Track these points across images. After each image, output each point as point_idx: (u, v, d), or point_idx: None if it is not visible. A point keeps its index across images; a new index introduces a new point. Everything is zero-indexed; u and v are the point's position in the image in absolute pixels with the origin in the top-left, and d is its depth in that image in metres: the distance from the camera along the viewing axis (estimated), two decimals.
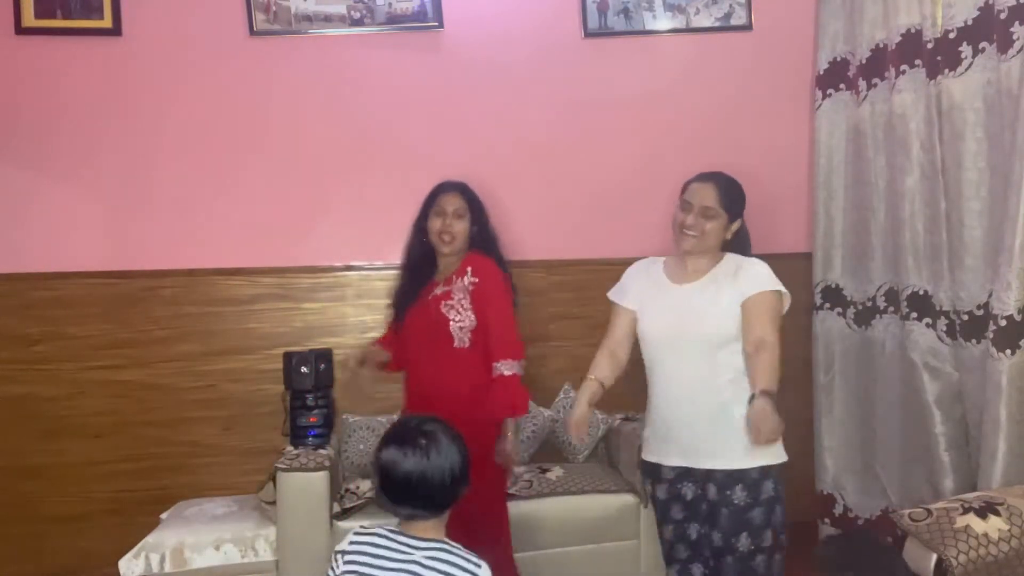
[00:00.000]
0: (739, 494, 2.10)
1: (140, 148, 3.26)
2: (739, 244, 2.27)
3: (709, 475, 2.13)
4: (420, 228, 2.65)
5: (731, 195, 2.22)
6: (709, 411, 2.13)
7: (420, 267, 2.65)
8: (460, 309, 2.50)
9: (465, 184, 2.68)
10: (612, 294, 2.36)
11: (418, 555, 1.57)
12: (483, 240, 2.66)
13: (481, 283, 2.51)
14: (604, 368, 2.32)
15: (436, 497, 1.61)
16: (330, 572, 1.64)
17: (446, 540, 1.61)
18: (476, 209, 2.65)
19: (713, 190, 2.20)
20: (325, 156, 3.35)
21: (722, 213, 2.19)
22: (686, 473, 2.18)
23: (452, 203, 2.59)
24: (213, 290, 3.29)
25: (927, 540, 2.14)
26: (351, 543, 1.63)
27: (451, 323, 2.48)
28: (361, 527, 1.67)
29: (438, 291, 2.55)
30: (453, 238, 2.56)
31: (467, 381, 2.49)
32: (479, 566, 1.57)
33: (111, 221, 3.25)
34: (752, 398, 2.01)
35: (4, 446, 3.17)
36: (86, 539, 3.19)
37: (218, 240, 3.29)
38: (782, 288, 2.15)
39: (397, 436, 1.65)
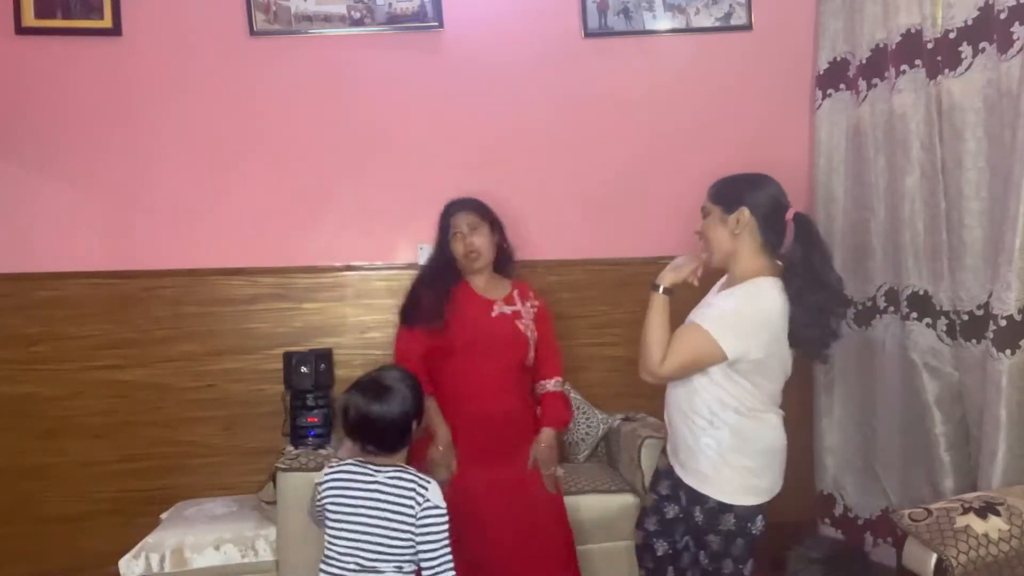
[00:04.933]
0: (697, 514, 2.11)
1: (140, 148, 3.26)
2: (798, 244, 2.05)
3: (683, 482, 2.15)
4: (443, 250, 2.69)
5: (721, 184, 2.12)
6: (682, 422, 2.13)
7: (446, 281, 2.65)
8: (532, 330, 2.65)
9: (473, 199, 2.72)
10: None
11: (380, 476, 1.96)
12: (507, 256, 2.75)
13: (542, 308, 2.75)
14: None
15: (389, 439, 1.98)
16: (316, 503, 2.03)
17: (402, 465, 2.00)
18: (492, 219, 2.71)
19: (709, 189, 2.15)
20: (325, 156, 3.35)
21: (712, 207, 2.11)
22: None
23: (466, 220, 2.64)
24: (213, 290, 3.29)
25: (927, 540, 2.15)
26: (326, 474, 2.01)
27: (530, 341, 2.63)
28: (332, 461, 2.06)
29: (506, 309, 2.63)
30: (479, 254, 2.62)
31: (529, 399, 2.67)
32: (428, 482, 1.95)
33: (111, 221, 3.25)
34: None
35: (4, 446, 3.18)
36: (86, 539, 3.19)
37: (218, 240, 3.29)
38: (714, 334, 1.97)
39: (365, 386, 2.01)
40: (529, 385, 2.70)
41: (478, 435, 2.54)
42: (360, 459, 2.01)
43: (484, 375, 2.56)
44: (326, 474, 2.01)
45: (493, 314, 2.61)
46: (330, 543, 1.97)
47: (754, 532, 2.06)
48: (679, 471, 2.16)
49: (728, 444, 2.04)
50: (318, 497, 2.02)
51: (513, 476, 2.56)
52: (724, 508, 2.05)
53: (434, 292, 2.61)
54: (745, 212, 2.06)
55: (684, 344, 2.02)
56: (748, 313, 2.01)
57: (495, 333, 2.59)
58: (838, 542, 2.12)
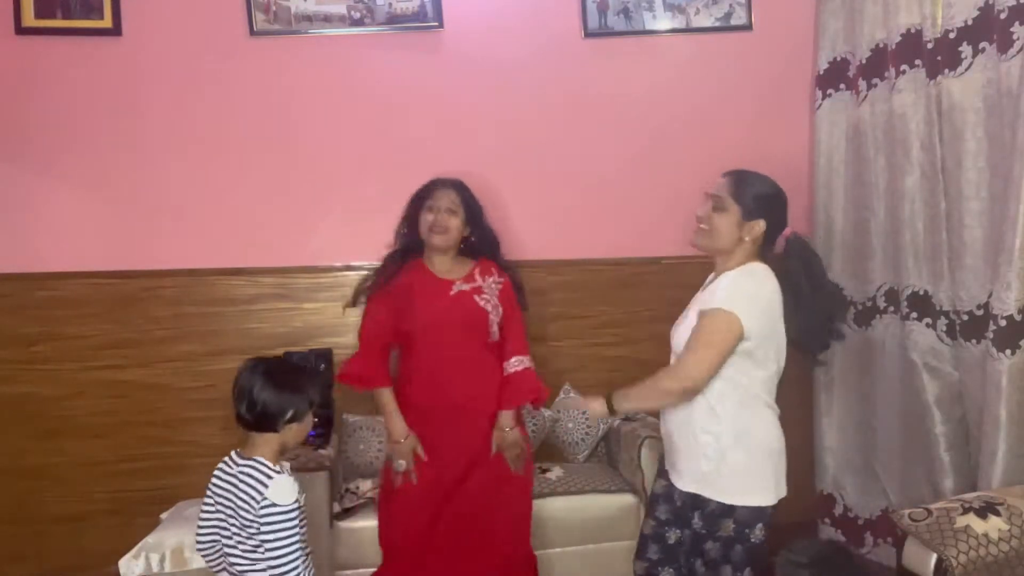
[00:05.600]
0: (696, 520, 2.08)
1: (140, 148, 3.26)
2: (798, 260, 2.08)
3: (684, 492, 2.12)
4: (410, 222, 2.63)
5: (747, 188, 2.08)
6: (678, 429, 2.11)
7: (399, 263, 2.63)
8: (494, 305, 2.57)
9: (461, 181, 2.65)
10: None
11: (235, 469, 1.92)
12: (483, 244, 2.66)
13: (506, 286, 2.64)
14: None
15: (249, 416, 1.95)
16: None
17: (259, 459, 1.91)
18: (471, 209, 2.62)
19: (728, 182, 2.10)
20: (325, 156, 3.35)
21: (732, 205, 2.06)
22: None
23: (446, 198, 2.57)
24: (213, 290, 3.29)
25: (927, 540, 2.15)
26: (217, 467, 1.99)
27: (490, 315, 2.55)
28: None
29: (464, 287, 2.56)
30: (446, 230, 2.55)
31: (496, 377, 2.57)
32: (271, 477, 1.85)
33: (111, 221, 3.25)
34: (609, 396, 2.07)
35: (4, 446, 3.18)
36: (86, 539, 3.19)
37: (218, 240, 3.29)
38: (727, 307, 1.97)
39: (266, 360, 2.01)
40: (494, 368, 2.59)
41: (427, 428, 2.50)
42: (235, 451, 1.99)
43: (443, 360, 2.50)
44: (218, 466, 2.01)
45: (452, 292, 2.55)
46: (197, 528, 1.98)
47: (753, 540, 2.02)
48: (677, 480, 2.13)
49: (727, 440, 2.03)
50: None
51: (465, 485, 2.51)
52: (724, 511, 2.03)
53: (396, 265, 2.64)
54: (762, 224, 2.08)
55: (706, 333, 1.98)
56: (752, 289, 2.01)
57: (453, 311, 2.52)
58: (825, 544, 2.09)
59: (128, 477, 3.24)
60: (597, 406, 2.10)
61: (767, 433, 2.07)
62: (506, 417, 2.53)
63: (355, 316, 3.34)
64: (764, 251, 2.12)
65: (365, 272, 3.35)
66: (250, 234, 3.31)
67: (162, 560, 2.63)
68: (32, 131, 3.20)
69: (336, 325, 3.34)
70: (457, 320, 2.52)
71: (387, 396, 2.54)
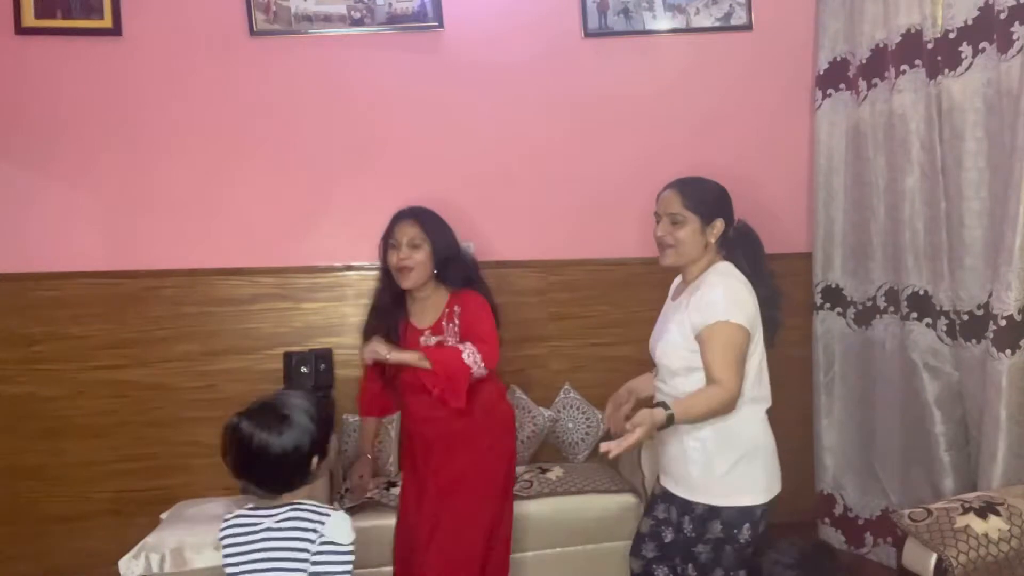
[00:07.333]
0: (687, 525, 2.08)
1: (140, 148, 3.26)
2: (743, 246, 2.13)
3: (676, 497, 2.12)
4: (384, 266, 2.48)
5: (698, 195, 2.11)
6: (668, 436, 2.09)
7: (390, 308, 2.49)
8: None
9: (421, 209, 2.48)
10: None
11: (268, 521, 1.64)
12: (454, 270, 2.47)
13: (464, 310, 2.43)
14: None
15: (276, 477, 1.65)
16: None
17: (299, 500, 1.66)
18: (437, 236, 2.43)
19: (676, 195, 2.12)
20: (325, 156, 3.35)
21: (691, 216, 2.09)
22: None
23: (406, 233, 2.40)
24: (213, 290, 3.29)
25: (927, 540, 2.15)
26: (221, 530, 1.69)
27: None
28: (228, 514, 1.71)
29: (430, 340, 2.41)
30: (412, 269, 2.38)
31: (475, 411, 2.42)
32: (328, 515, 1.63)
33: (111, 221, 3.25)
34: (660, 406, 1.91)
35: (4, 446, 3.18)
36: (86, 539, 3.19)
37: (218, 240, 3.29)
38: (733, 318, 1.98)
39: (255, 411, 1.67)
40: (480, 394, 2.44)
41: (414, 454, 2.53)
42: (252, 505, 1.69)
43: (422, 410, 2.44)
44: (222, 529, 1.68)
45: (420, 346, 2.41)
46: None
47: (741, 540, 2.00)
48: (671, 486, 2.13)
49: (713, 443, 2.02)
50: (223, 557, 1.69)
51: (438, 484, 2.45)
52: (712, 513, 2.02)
53: (383, 323, 2.48)
54: (721, 223, 2.12)
55: (721, 346, 1.98)
56: (738, 288, 2.05)
57: (413, 371, 2.38)
58: (808, 544, 2.04)
59: (128, 477, 3.24)
60: (659, 415, 1.91)
61: (752, 431, 2.05)
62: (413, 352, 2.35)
63: (355, 316, 3.36)
64: (721, 245, 2.15)
65: (364, 272, 3.38)
66: (249, 234, 3.31)
67: (162, 560, 2.62)
68: (32, 131, 3.20)
69: (336, 325, 3.34)
70: (414, 379, 2.39)
71: (366, 426, 2.69)
